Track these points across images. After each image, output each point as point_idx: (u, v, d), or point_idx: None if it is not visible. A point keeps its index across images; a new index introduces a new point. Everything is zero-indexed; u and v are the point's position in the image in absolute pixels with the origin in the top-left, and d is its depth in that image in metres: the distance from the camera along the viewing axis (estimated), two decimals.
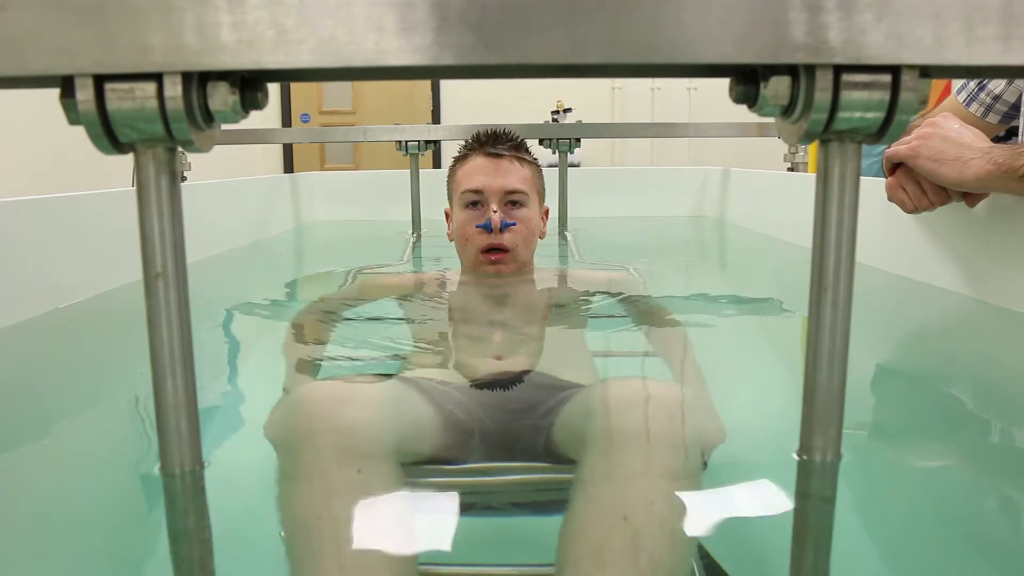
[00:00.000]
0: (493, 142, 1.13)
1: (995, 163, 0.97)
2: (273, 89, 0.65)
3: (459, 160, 1.17)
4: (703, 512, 0.47)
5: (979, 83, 1.24)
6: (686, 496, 0.47)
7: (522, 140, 1.18)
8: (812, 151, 2.26)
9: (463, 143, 1.19)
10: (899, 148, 1.07)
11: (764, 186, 2.18)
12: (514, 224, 1.09)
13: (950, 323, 1.10)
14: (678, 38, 0.37)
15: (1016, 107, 1.25)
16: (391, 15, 0.37)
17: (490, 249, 1.08)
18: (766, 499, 0.51)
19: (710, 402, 0.73)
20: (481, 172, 1.11)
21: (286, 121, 4.82)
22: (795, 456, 0.45)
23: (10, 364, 0.91)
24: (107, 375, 0.88)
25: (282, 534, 0.46)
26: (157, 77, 0.38)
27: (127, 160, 0.44)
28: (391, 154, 2.38)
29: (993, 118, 1.26)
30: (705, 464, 0.52)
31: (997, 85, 1.23)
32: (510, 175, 1.10)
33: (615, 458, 0.51)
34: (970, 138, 1.03)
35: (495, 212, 1.08)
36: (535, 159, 1.19)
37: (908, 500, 0.56)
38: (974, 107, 1.24)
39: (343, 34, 0.37)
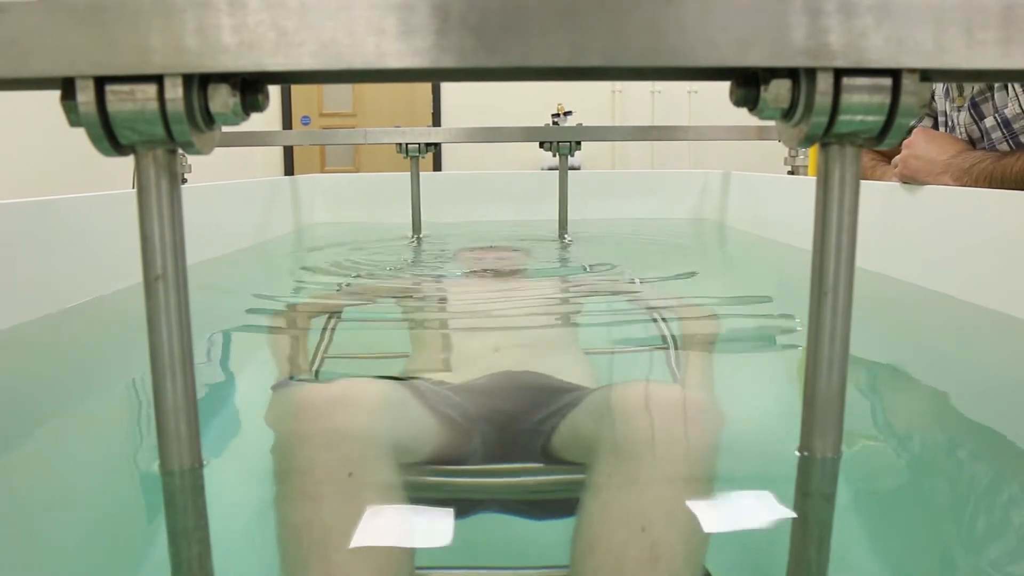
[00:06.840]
0: None
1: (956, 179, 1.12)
2: (274, 91, 0.65)
3: None
4: (717, 519, 0.47)
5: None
6: (702, 503, 0.47)
7: None
8: (812, 154, 2.26)
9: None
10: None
11: (764, 189, 2.18)
12: None
13: (948, 327, 1.09)
14: (679, 41, 0.38)
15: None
16: (392, 18, 0.37)
17: None
18: (766, 497, 0.50)
19: (712, 392, 0.73)
20: None
21: (287, 123, 4.82)
22: (796, 453, 0.45)
23: (9, 366, 0.91)
24: (106, 377, 0.88)
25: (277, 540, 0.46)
26: (158, 79, 0.38)
27: (126, 162, 0.44)
28: (391, 156, 2.38)
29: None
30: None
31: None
32: None
33: (631, 465, 0.50)
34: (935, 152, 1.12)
35: None
36: None
37: (908, 498, 0.56)
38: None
39: (344, 37, 0.37)
